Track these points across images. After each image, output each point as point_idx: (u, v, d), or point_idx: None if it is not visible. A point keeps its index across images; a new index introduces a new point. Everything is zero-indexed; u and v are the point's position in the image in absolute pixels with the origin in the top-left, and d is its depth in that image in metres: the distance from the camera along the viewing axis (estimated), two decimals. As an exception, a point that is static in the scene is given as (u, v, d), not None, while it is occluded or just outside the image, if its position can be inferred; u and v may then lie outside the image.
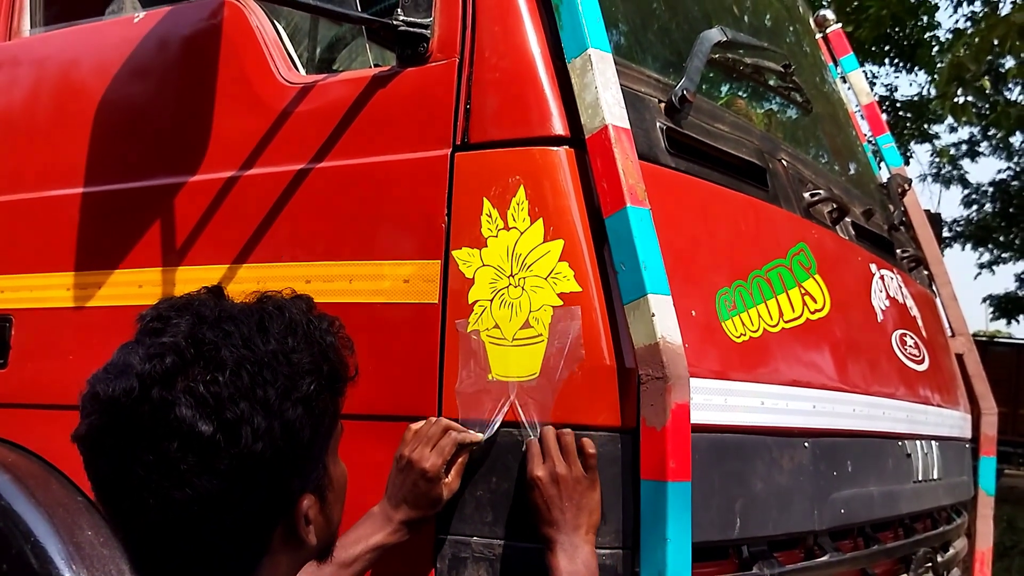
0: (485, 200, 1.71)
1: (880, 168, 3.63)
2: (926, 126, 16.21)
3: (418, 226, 1.77)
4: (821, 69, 3.26)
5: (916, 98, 15.75)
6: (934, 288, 3.40)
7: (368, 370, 1.76)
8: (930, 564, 2.55)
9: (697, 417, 1.67)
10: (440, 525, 1.68)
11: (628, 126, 1.66)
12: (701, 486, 1.67)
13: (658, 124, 1.86)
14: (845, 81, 3.67)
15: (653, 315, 1.53)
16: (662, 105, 1.90)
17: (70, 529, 1.92)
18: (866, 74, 17.03)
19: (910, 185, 3.38)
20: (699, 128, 1.98)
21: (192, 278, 1.98)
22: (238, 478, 1.07)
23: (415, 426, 1.67)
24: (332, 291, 1.83)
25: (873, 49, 14.86)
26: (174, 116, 2.09)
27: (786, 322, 1.95)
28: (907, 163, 16.62)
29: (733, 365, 1.79)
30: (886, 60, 15.22)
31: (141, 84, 2.13)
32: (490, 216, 1.70)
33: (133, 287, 2.05)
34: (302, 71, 2.04)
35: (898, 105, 16.80)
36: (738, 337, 1.81)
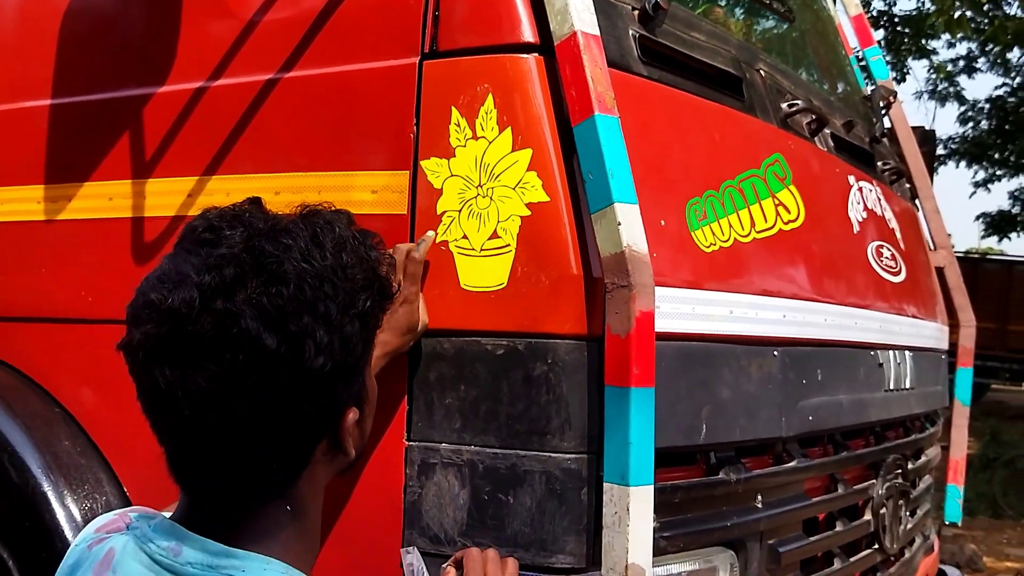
0: (453, 109, 1.69)
1: (866, 81, 3.60)
2: (924, 42, 15.99)
3: (387, 136, 1.76)
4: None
5: (915, 13, 15.51)
6: (917, 202, 3.41)
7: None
8: (900, 471, 2.60)
9: (664, 325, 1.69)
10: (409, 431, 1.71)
11: (598, 32, 1.63)
12: (667, 393, 1.69)
13: (631, 31, 1.83)
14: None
15: (619, 224, 1.53)
16: (635, 12, 1.87)
17: (48, 440, 1.95)
18: (864, -13, 16.76)
19: (895, 98, 3.36)
20: (674, 36, 1.95)
21: (162, 190, 1.97)
22: (298, 392, 1.07)
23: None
24: (301, 202, 1.82)
25: (873, -38, 14.56)
26: (142, 25, 2.05)
27: (758, 232, 1.96)
28: (903, 80, 16.46)
29: (702, 274, 1.80)
30: (885, -27, 14.95)
31: (106, -8, 2.09)
32: (458, 125, 1.69)
33: (103, 199, 2.05)
34: (273, -22, 2.00)
35: (896, 20, 16.56)
36: (708, 247, 1.81)
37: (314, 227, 1.14)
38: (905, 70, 16.56)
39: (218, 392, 1.04)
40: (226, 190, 1.89)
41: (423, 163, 1.71)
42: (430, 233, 1.68)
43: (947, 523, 3.50)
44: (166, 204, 1.97)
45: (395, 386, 1.72)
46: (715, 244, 1.83)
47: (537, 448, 1.61)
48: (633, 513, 1.50)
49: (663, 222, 1.74)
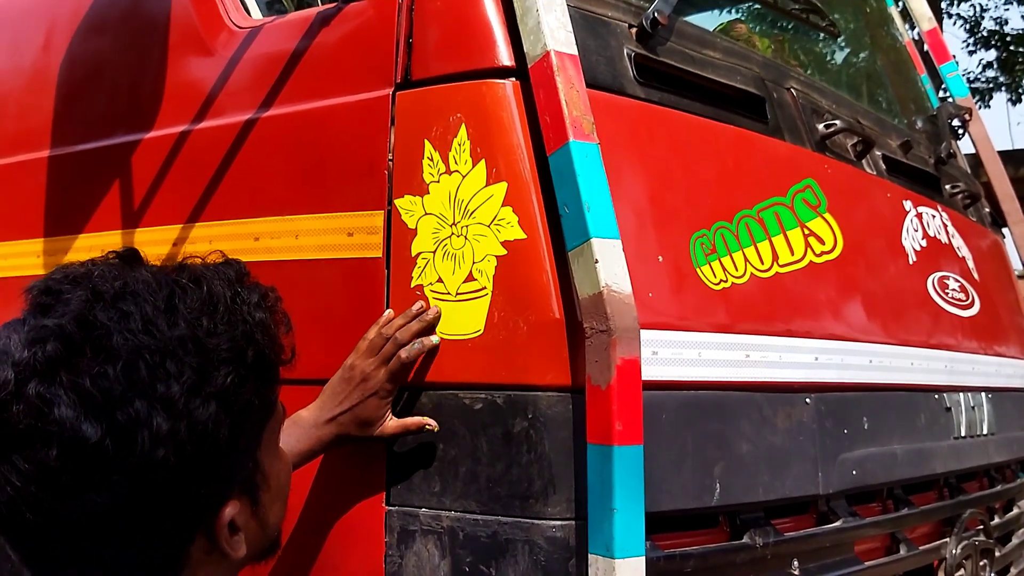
0: (426, 142, 1.56)
1: (939, 100, 3.35)
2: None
3: (361, 174, 1.63)
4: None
5: (1029, 31, 14.91)
6: (1004, 228, 3.13)
7: (316, 332, 1.66)
8: (981, 526, 2.33)
9: (664, 373, 1.52)
10: (388, 495, 1.56)
11: (575, 52, 1.48)
12: (670, 449, 1.51)
13: (626, 51, 1.68)
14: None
15: (596, 261, 1.37)
16: (633, 31, 1.72)
17: None
18: (974, 7, 16.14)
19: (971, 116, 3.10)
20: (680, 55, 1.79)
21: (149, 239, 1.89)
22: (136, 490, 0.90)
23: (370, 334, 1.52)
24: (280, 248, 1.72)
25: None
26: (129, 72, 1.99)
27: (781, 266, 1.76)
28: (1020, 100, 15.70)
29: (709, 315, 1.61)
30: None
31: (97, 40, 2.04)
32: (431, 159, 1.56)
33: (97, 252, 1.96)
34: (259, 14, 1.93)
35: (1008, 39, 15.95)
36: (716, 284, 1.63)
37: (173, 287, 0.97)
38: (1021, 91, 15.91)
39: (33, 495, 0.88)
40: (209, 237, 1.81)
41: (397, 202, 1.58)
42: (434, 339, 1.50)
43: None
44: (155, 255, 1.88)
45: (374, 445, 1.58)
46: (726, 281, 1.64)
47: (519, 514, 1.45)
48: (620, 589, 1.31)
49: (661, 258, 1.57)
